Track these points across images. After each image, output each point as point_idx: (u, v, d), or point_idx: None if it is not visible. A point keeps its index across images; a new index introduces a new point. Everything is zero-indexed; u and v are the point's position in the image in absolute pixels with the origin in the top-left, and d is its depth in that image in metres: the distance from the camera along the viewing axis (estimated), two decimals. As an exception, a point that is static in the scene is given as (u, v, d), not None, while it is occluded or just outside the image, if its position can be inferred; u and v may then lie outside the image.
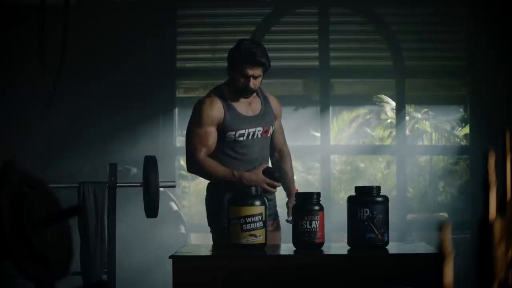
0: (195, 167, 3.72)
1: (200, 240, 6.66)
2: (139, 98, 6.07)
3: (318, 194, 3.43)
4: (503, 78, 6.02)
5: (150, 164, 4.24)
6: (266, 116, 3.81)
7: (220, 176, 3.67)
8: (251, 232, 3.31)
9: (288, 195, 3.92)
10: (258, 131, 3.76)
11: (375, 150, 7.08)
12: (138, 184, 4.42)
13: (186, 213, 6.72)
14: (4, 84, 6.02)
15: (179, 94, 6.28)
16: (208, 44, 6.33)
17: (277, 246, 3.65)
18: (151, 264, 5.86)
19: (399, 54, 6.16)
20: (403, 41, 6.18)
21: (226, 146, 3.72)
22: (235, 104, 3.73)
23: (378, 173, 7.90)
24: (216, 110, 3.69)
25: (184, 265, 3.21)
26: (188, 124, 3.77)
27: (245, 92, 3.71)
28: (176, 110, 6.21)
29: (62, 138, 6.01)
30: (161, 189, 4.32)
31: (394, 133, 6.85)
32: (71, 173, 5.73)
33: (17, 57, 6.01)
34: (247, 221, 3.31)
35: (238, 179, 3.64)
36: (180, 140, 6.43)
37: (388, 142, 7.57)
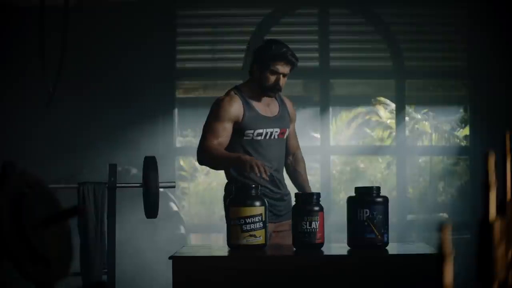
0: (203, 153, 3.71)
1: (199, 241, 6.66)
2: (139, 98, 6.07)
3: (318, 194, 3.44)
4: (503, 78, 6.02)
5: (150, 165, 4.24)
6: (283, 119, 3.87)
7: (224, 155, 3.65)
8: (251, 233, 3.32)
9: None
10: (276, 132, 3.81)
11: (375, 150, 7.08)
12: (138, 184, 4.42)
13: (186, 214, 6.72)
14: (4, 84, 6.02)
15: (179, 94, 6.28)
16: (208, 44, 6.33)
17: (277, 247, 3.64)
18: (150, 264, 5.86)
19: (399, 54, 6.16)
20: (403, 41, 6.19)
21: (244, 145, 3.76)
22: (255, 104, 3.79)
23: (378, 173, 7.90)
24: (235, 107, 3.74)
25: (184, 265, 3.21)
26: (206, 120, 3.79)
27: (273, 90, 3.77)
28: (176, 110, 6.21)
29: (62, 138, 6.01)
30: (160, 189, 4.32)
31: (394, 133, 6.85)
32: (71, 174, 5.73)
33: (17, 57, 6.01)
34: (247, 221, 3.31)
35: (241, 155, 3.61)
36: (180, 141, 6.43)
37: (388, 142, 7.57)
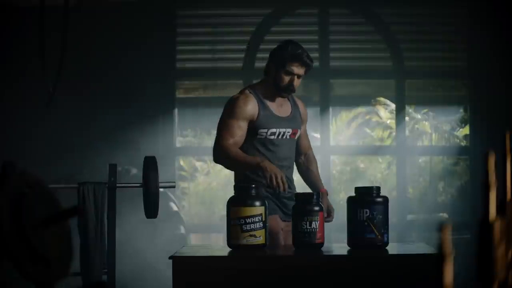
0: (220, 152, 3.72)
1: (199, 241, 6.66)
2: (139, 98, 6.07)
3: (318, 194, 3.44)
4: (503, 78, 6.02)
5: (150, 165, 4.24)
6: (295, 119, 3.89)
7: (242, 159, 3.66)
8: (251, 233, 3.32)
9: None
10: (288, 132, 3.83)
11: (375, 150, 7.07)
12: (138, 184, 4.42)
13: (186, 214, 6.72)
14: (4, 84, 6.01)
15: (179, 94, 6.28)
16: (208, 44, 6.33)
17: (277, 247, 3.64)
18: (150, 264, 5.86)
19: (399, 54, 6.16)
20: (403, 41, 6.19)
21: (257, 143, 3.77)
22: (269, 104, 3.81)
23: (378, 173, 7.90)
24: (250, 106, 3.75)
25: (184, 265, 3.21)
26: (220, 118, 3.80)
27: (287, 91, 3.79)
28: (176, 110, 6.20)
29: (62, 138, 6.01)
30: (160, 189, 4.32)
31: (394, 133, 6.85)
32: (71, 174, 5.72)
33: (17, 57, 6.00)
34: (247, 221, 3.32)
35: (260, 161, 3.61)
36: (180, 141, 6.43)
37: (388, 142, 7.57)
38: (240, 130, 3.73)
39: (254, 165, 3.62)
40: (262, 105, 3.78)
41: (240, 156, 3.67)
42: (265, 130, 3.76)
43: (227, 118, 3.75)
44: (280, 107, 3.85)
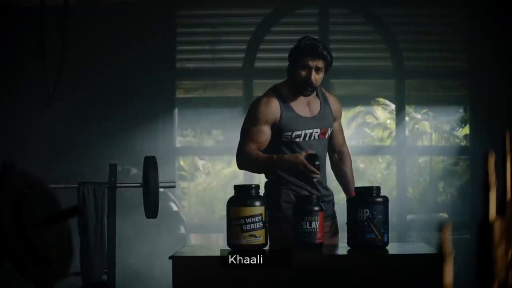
0: (241, 158, 3.66)
1: (199, 241, 6.67)
2: (139, 98, 6.07)
3: (318, 196, 3.44)
4: (503, 78, 6.02)
5: (150, 164, 4.25)
6: (325, 118, 3.75)
7: (262, 160, 3.61)
8: (251, 233, 3.32)
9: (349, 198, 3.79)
10: (316, 132, 3.70)
11: (375, 150, 7.08)
12: (138, 184, 4.42)
13: (186, 214, 6.73)
14: (4, 84, 6.02)
15: (179, 94, 6.28)
16: (208, 44, 6.33)
17: (276, 247, 3.64)
18: (150, 264, 5.86)
19: (399, 54, 6.16)
20: (403, 41, 6.19)
21: (283, 146, 3.66)
22: (293, 104, 3.68)
23: (378, 173, 7.90)
24: (272, 109, 3.64)
25: (184, 265, 3.21)
26: (243, 122, 3.72)
27: (306, 86, 3.64)
28: (176, 110, 6.21)
29: (62, 138, 6.01)
30: (160, 189, 4.32)
31: (393, 133, 6.85)
32: (71, 174, 5.73)
33: (17, 57, 6.01)
34: (247, 221, 3.31)
35: (277, 160, 3.57)
36: (180, 141, 6.43)
37: (388, 142, 7.58)
38: (263, 135, 3.64)
39: (271, 161, 3.57)
40: (285, 107, 3.65)
41: (257, 158, 3.61)
42: (289, 133, 3.64)
43: (249, 125, 3.67)
44: (306, 106, 3.71)
